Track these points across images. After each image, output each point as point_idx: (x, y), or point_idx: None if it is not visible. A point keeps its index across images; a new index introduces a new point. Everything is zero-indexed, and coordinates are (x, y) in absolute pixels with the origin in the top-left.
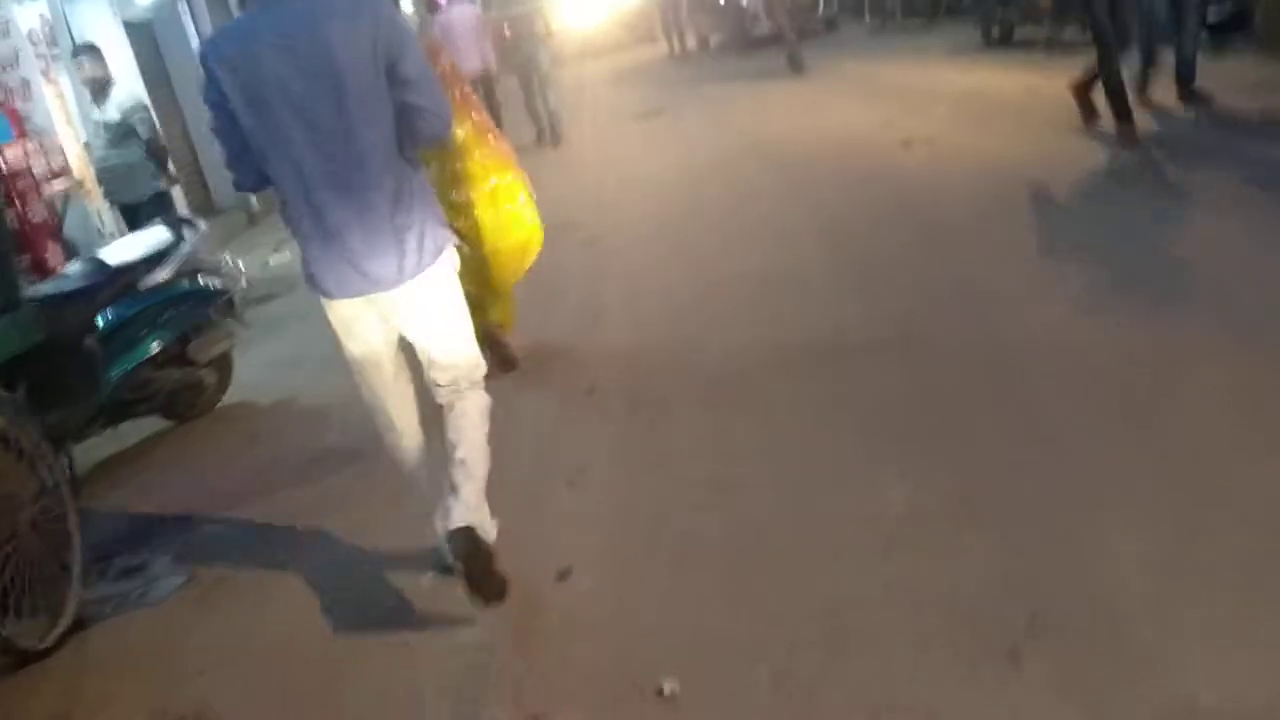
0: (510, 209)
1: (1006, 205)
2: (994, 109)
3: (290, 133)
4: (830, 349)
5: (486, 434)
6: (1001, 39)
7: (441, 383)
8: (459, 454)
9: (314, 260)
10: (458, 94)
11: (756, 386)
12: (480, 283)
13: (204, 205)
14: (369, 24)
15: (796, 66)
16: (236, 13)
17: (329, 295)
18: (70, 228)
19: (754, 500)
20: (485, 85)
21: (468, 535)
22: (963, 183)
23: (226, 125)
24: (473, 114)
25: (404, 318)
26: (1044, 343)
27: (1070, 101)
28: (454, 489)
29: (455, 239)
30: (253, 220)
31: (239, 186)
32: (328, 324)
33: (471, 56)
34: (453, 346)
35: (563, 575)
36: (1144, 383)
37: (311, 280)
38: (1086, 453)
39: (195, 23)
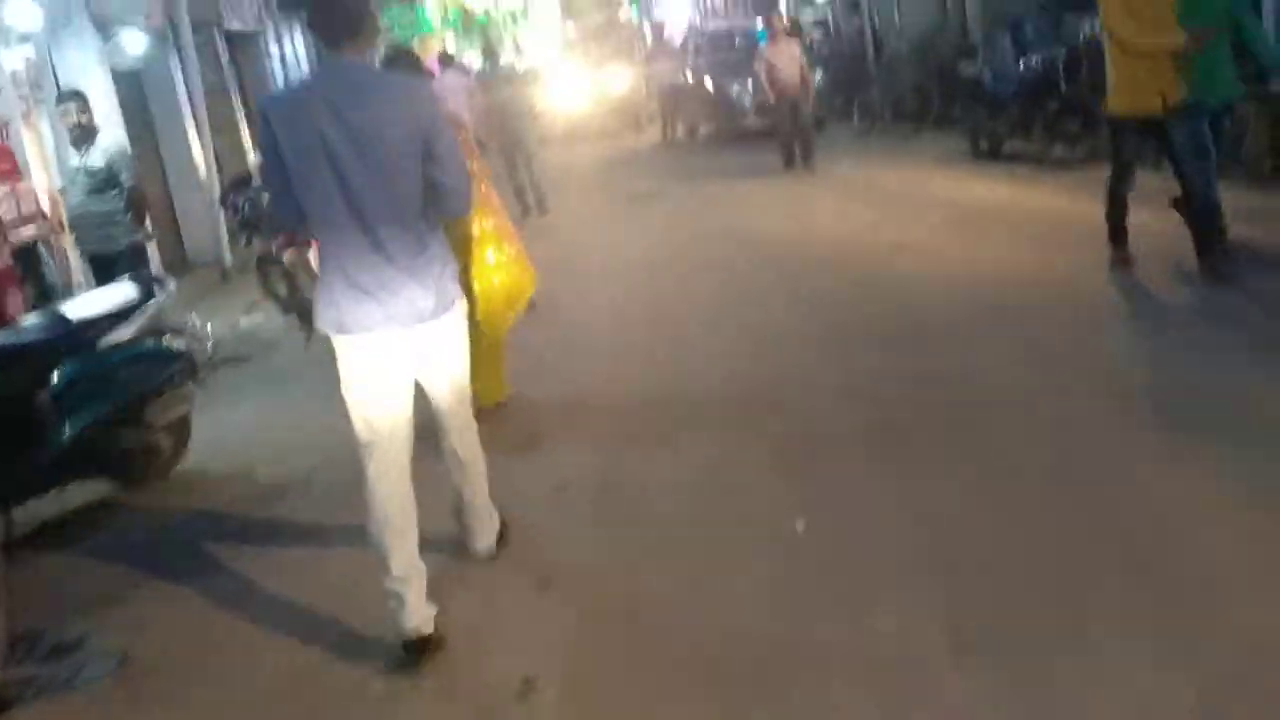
0: (499, 254)
1: (1004, 318)
2: (986, 221)
3: (329, 183)
4: (815, 449)
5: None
6: (990, 151)
7: (445, 425)
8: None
9: (337, 296)
10: (474, 166)
11: (735, 487)
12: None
13: (178, 260)
14: (413, 107)
15: (808, 161)
16: (227, 69)
17: (347, 330)
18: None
19: (733, 610)
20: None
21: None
22: (957, 293)
23: (274, 167)
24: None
25: (417, 358)
26: (1037, 448)
27: (1065, 219)
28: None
29: (464, 296)
30: (226, 277)
31: (280, 222)
32: (334, 364)
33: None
34: (461, 382)
35: (526, 686)
36: (1125, 495)
37: (330, 316)
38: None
39: (185, 76)
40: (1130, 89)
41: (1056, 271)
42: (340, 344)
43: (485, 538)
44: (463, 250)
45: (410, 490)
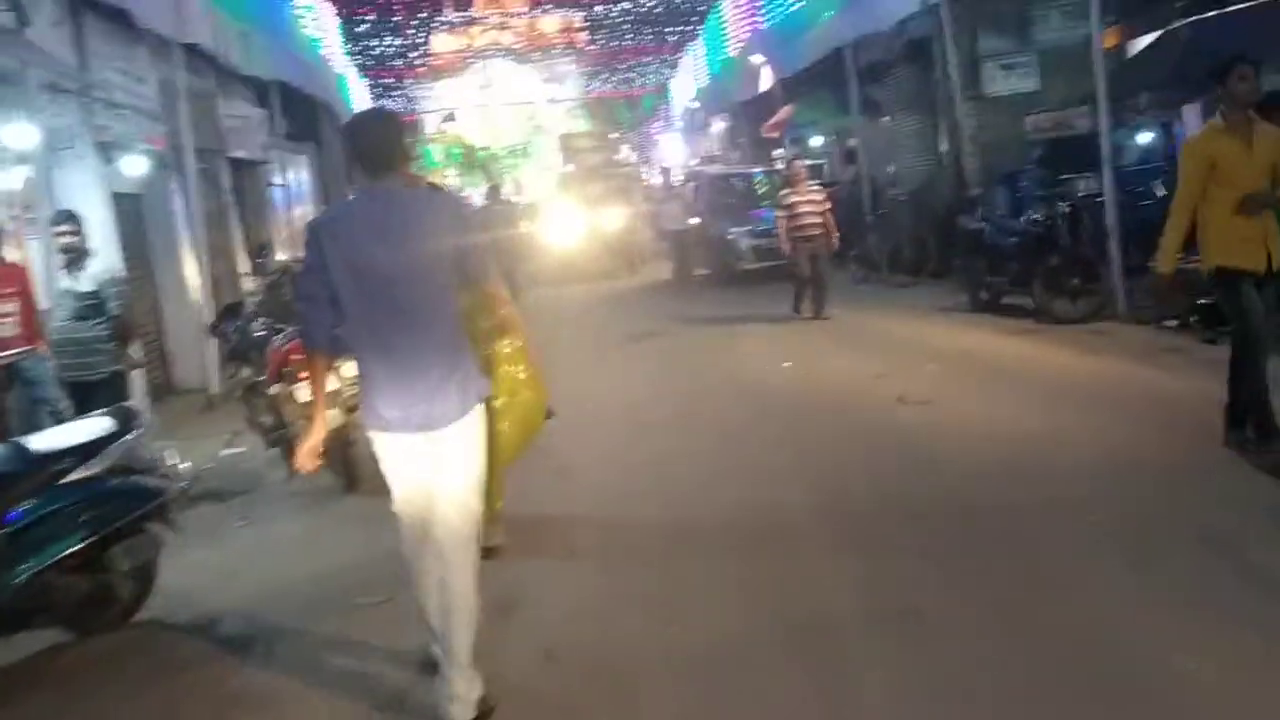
0: (514, 371)
1: (1018, 479)
2: (990, 374)
3: (372, 292)
4: (821, 625)
5: (474, 603)
6: (989, 304)
7: (446, 531)
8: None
9: (378, 397)
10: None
11: (731, 671)
12: None
13: (164, 385)
14: (444, 209)
15: (820, 310)
16: (228, 196)
17: (386, 428)
18: (19, 398)
19: None
20: None
21: None
22: (965, 450)
23: (318, 282)
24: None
25: (444, 455)
26: (1074, 644)
27: (1072, 376)
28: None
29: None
30: (211, 404)
31: (308, 342)
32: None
33: None
34: (470, 494)
35: None
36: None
37: (371, 415)
38: None
39: (185, 201)
40: (1232, 244)
41: (1070, 432)
42: (376, 439)
43: (462, 711)
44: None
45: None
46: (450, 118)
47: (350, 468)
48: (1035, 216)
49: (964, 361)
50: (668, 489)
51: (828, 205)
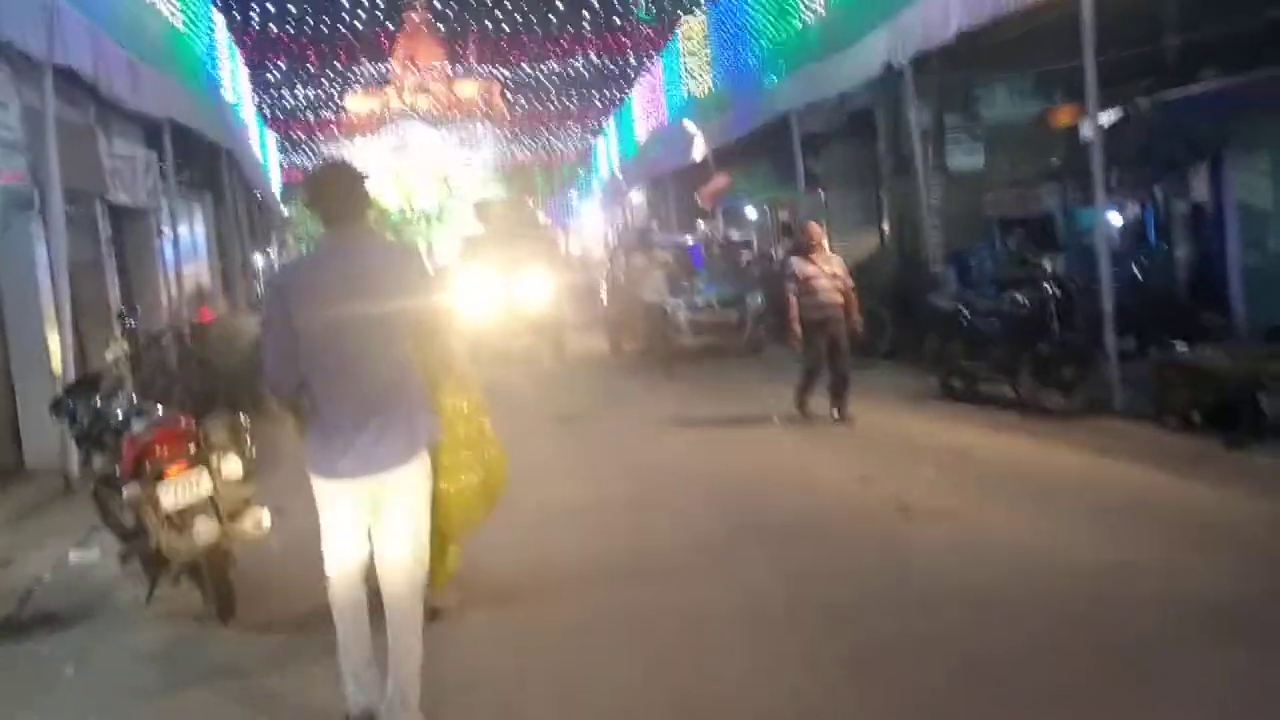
0: (479, 426)
1: (1089, 626)
2: (997, 480)
3: (330, 338)
4: None
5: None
6: (964, 391)
7: (393, 580)
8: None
9: (324, 441)
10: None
11: None
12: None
13: (14, 466)
14: (404, 265)
15: (842, 411)
16: (105, 247)
17: (330, 474)
18: None
19: None
20: None
21: None
22: (1005, 583)
23: (281, 335)
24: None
25: (388, 500)
26: None
27: (1091, 481)
28: None
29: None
30: (70, 488)
31: (275, 387)
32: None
33: None
34: (415, 544)
35: None
36: None
37: (316, 460)
38: None
39: (50, 248)
40: None
41: (1125, 563)
42: (320, 488)
43: None
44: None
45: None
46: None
47: (226, 591)
48: (1019, 298)
49: (961, 463)
50: (616, 603)
51: (848, 281)
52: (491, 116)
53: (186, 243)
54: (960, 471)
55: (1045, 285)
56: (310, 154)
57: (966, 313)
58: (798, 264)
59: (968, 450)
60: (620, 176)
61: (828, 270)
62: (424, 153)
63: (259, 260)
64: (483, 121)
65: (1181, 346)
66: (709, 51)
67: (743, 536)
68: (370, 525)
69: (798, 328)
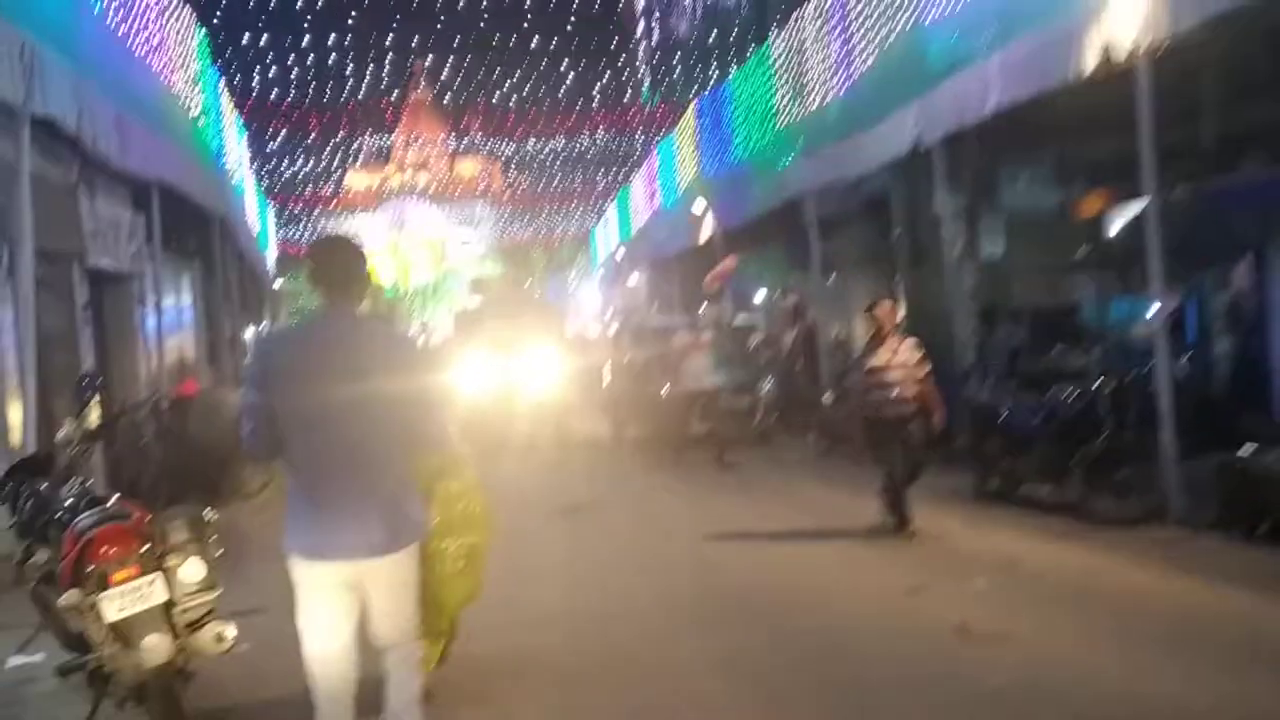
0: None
1: None
2: (1060, 597)
3: (312, 415)
4: None
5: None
6: (1002, 492)
7: (388, 661)
8: None
9: (303, 523)
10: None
11: None
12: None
13: None
14: (401, 352)
15: (901, 514)
16: (82, 314)
17: (309, 554)
18: None
19: None
20: None
21: None
22: None
23: (262, 401)
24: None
25: (370, 589)
26: None
27: (1172, 602)
28: None
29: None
30: (22, 578)
31: (253, 453)
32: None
33: None
34: (403, 625)
35: None
36: None
37: (295, 539)
38: None
39: (16, 314)
40: None
41: (1202, 700)
42: (297, 569)
43: None
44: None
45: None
46: None
47: (176, 718)
48: (1068, 395)
49: (1017, 576)
50: None
51: (926, 368)
52: (492, 194)
53: (171, 312)
54: (1015, 586)
55: (1100, 379)
56: (308, 227)
57: (1006, 409)
58: (869, 353)
59: (1019, 561)
60: (618, 259)
61: (901, 359)
62: (422, 229)
63: (250, 334)
64: (482, 200)
65: (1246, 450)
66: (718, 132)
67: (779, 662)
68: (357, 613)
69: (861, 424)
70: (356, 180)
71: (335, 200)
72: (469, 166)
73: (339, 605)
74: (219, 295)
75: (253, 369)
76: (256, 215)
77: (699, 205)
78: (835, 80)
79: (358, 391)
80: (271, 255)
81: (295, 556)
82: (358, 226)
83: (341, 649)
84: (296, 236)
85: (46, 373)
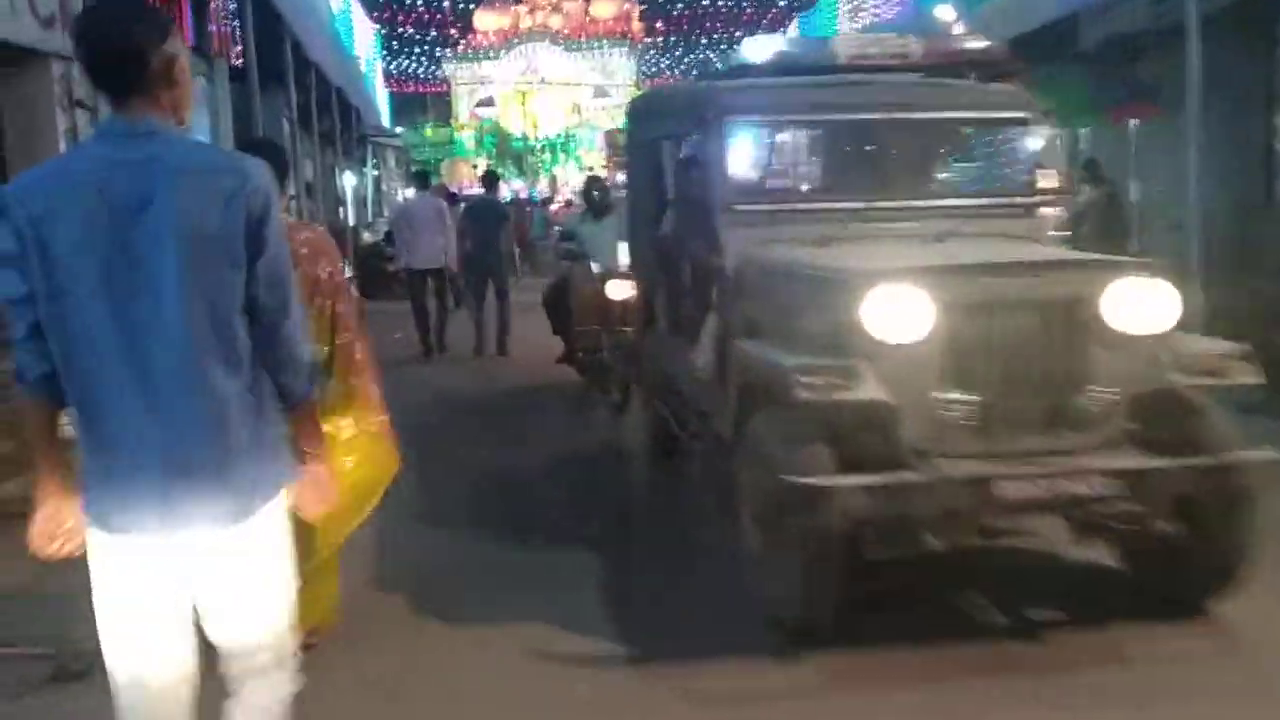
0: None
1: None
2: None
3: (96, 306)
4: None
5: None
6: None
7: (235, 669)
8: None
9: (95, 472)
10: (330, 306)
11: None
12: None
13: None
14: (233, 194)
15: None
16: None
17: (105, 525)
18: None
19: None
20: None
21: None
22: None
23: (16, 287)
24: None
25: (208, 575)
26: None
27: None
28: None
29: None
30: None
31: (21, 375)
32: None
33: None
34: (263, 623)
35: None
36: None
37: (89, 500)
38: None
39: None
40: None
41: None
42: (95, 543)
43: None
44: None
45: None
46: (488, 101)
47: None
48: None
49: None
50: None
51: None
52: (630, 39)
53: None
54: None
55: None
56: (431, 69)
57: None
58: None
59: None
60: None
61: None
62: (554, 76)
63: (347, 181)
64: (621, 47)
65: None
66: None
67: None
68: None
69: None
70: (485, 20)
71: (461, 42)
72: (605, 7)
73: (158, 595)
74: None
75: (5, 230)
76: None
77: (947, 9)
78: None
79: (161, 253)
80: (380, 95)
81: (90, 527)
82: (485, 71)
83: (174, 678)
84: (417, 73)
85: None
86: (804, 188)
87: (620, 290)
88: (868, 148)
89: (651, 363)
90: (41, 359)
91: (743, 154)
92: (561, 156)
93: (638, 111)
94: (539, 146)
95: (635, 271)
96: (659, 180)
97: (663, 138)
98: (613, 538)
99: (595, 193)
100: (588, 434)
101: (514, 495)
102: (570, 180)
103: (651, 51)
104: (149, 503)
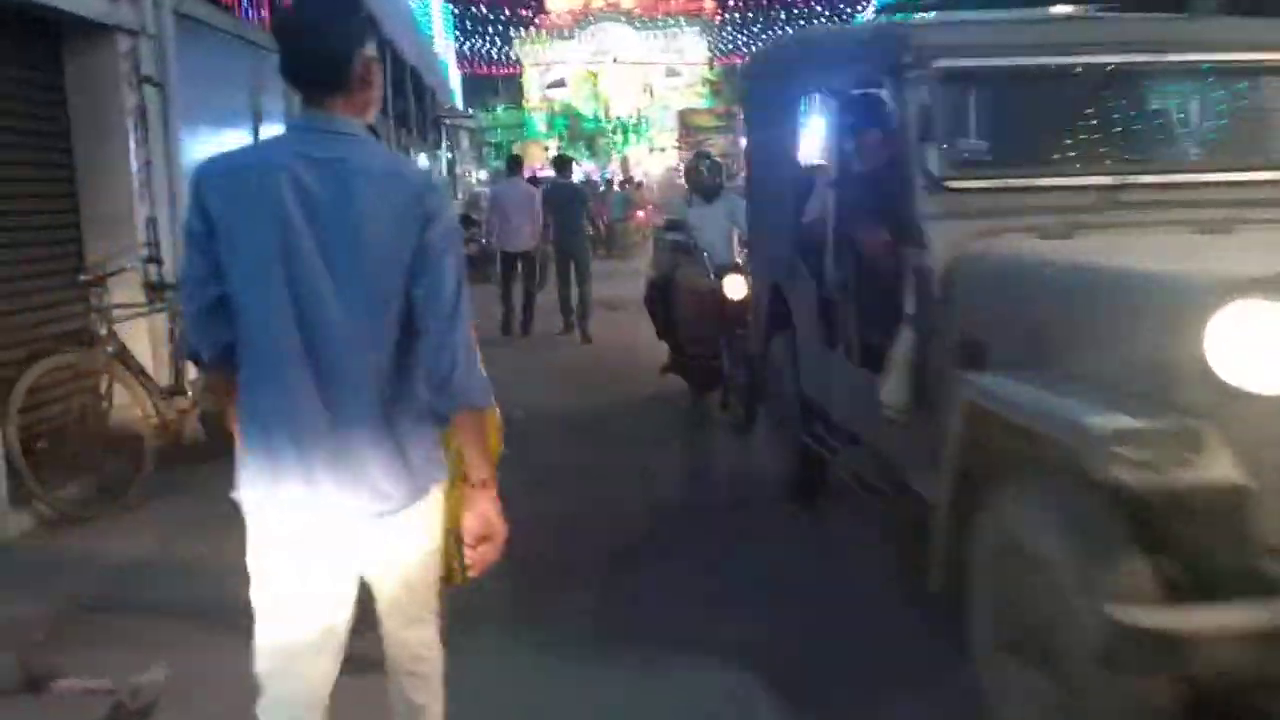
0: None
1: None
2: None
3: (274, 291)
4: None
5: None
6: None
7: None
8: None
9: (264, 454)
10: None
11: None
12: None
13: None
14: (415, 201)
15: None
16: None
17: (265, 509)
18: None
19: None
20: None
21: None
22: None
23: (201, 263)
24: None
25: (368, 559)
26: None
27: None
28: None
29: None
30: None
31: (193, 355)
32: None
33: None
34: (421, 611)
35: None
36: None
37: (251, 482)
38: None
39: None
40: None
41: None
42: (254, 526)
43: None
44: None
45: None
46: (559, 83)
47: None
48: None
49: None
50: None
51: None
52: (704, 19)
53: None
54: None
55: None
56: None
57: None
58: None
59: None
60: None
61: None
62: (626, 56)
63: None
64: (694, 26)
65: None
66: None
67: None
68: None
69: None
70: (558, 1)
71: (533, 23)
72: None
73: (318, 582)
74: None
75: (189, 218)
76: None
77: None
78: None
79: (345, 248)
80: (453, 76)
81: (250, 510)
82: (557, 53)
83: (326, 675)
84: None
85: None
86: (1038, 158)
87: (740, 287)
88: (1123, 103)
89: (786, 380)
90: (214, 339)
91: (956, 113)
92: (633, 138)
93: (764, 67)
94: (610, 128)
95: (757, 265)
96: (795, 152)
97: (810, 96)
98: (747, 639)
99: (704, 170)
100: (702, 462)
101: (604, 564)
102: (641, 161)
103: (729, 28)
104: (305, 490)
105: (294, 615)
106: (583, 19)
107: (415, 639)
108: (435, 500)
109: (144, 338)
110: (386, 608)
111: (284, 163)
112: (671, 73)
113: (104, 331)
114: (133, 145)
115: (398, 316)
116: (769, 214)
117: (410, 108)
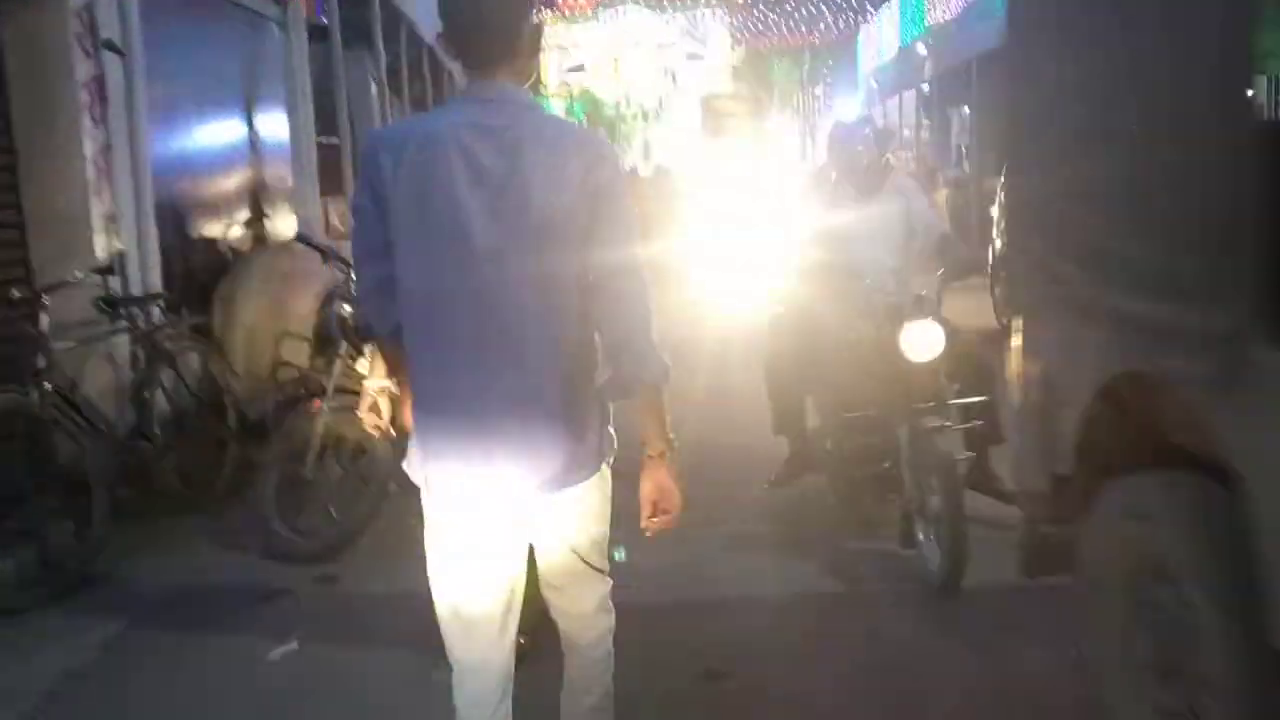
0: None
1: None
2: None
3: (445, 261)
4: None
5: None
6: None
7: (575, 658)
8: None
9: (437, 436)
10: None
11: None
12: None
13: None
14: (588, 165)
15: None
16: None
17: (445, 491)
18: None
19: None
20: None
21: None
22: None
23: (371, 233)
24: None
25: (541, 530)
26: None
27: None
28: None
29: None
30: None
31: (367, 329)
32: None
33: None
34: (594, 589)
35: None
36: None
37: (423, 465)
38: None
39: None
40: None
41: None
42: (429, 503)
43: None
44: None
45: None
46: (578, 68)
47: None
48: None
49: None
50: None
51: None
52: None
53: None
54: None
55: None
56: None
57: None
58: None
59: None
60: (924, 52)
61: None
62: (646, 40)
63: None
64: (714, 9)
65: None
66: None
67: None
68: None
69: None
70: None
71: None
72: None
73: (496, 564)
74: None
75: (358, 188)
76: None
77: None
78: None
79: (516, 216)
80: None
81: (427, 495)
82: (575, 37)
83: (502, 625)
84: None
85: None
86: None
87: (930, 343)
88: None
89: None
90: (385, 314)
91: None
92: (654, 123)
93: None
94: (631, 114)
95: (1017, 293)
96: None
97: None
98: None
99: (860, 148)
100: (856, 598)
101: None
102: (662, 148)
103: (758, 8)
104: (482, 465)
105: (470, 585)
106: (604, 2)
107: (582, 612)
108: (605, 476)
109: (104, 368)
110: (559, 581)
111: (454, 134)
112: (693, 57)
113: (41, 364)
114: (87, 125)
115: (575, 288)
116: (1095, 217)
117: (427, 89)
